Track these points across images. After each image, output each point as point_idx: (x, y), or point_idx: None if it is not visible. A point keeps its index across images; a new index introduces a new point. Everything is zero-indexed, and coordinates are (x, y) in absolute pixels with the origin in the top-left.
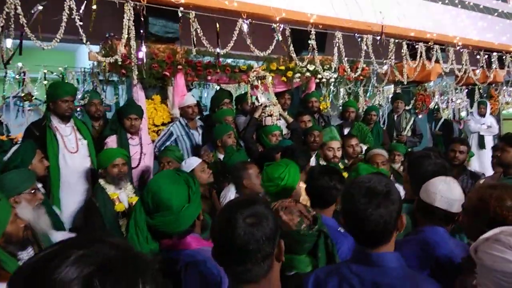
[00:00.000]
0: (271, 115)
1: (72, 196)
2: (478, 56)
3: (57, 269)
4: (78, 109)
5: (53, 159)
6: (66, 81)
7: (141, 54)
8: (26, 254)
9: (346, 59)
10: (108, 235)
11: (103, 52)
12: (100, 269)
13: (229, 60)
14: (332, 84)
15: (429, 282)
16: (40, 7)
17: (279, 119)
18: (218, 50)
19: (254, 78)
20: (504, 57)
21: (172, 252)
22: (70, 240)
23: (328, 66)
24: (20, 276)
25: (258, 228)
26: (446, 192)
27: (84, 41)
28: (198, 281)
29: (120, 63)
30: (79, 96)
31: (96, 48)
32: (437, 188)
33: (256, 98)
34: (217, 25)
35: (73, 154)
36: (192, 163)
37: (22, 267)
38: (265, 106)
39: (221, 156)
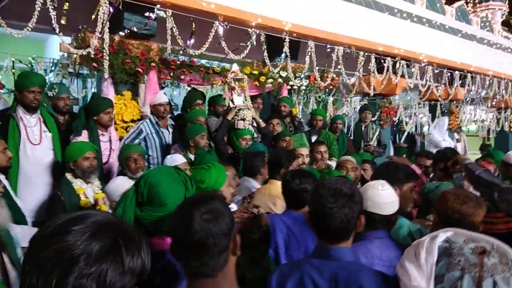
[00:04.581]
0: (244, 119)
1: (30, 189)
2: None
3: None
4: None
5: (12, 149)
6: (34, 71)
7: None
8: None
9: (317, 68)
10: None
11: (75, 44)
12: (120, 236)
13: (203, 61)
14: (303, 91)
15: (377, 276)
16: None
17: (252, 123)
18: (189, 43)
19: (232, 79)
20: (465, 76)
21: (162, 251)
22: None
23: (300, 74)
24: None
25: (214, 224)
26: (374, 197)
27: (57, 31)
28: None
29: (92, 56)
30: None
31: (67, 40)
32: (367, 194)
33: (231, 100)
34: (193, 25)
35: (35, 146)
36: (176, 159)
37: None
38: (239, 110)
39: (192, 156)
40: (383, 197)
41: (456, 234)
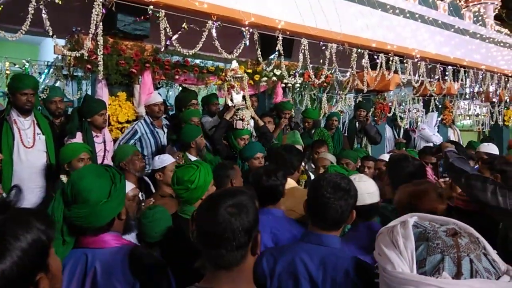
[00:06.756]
0: (242, 119)
1: (24, 192)
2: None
3: None
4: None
5: (5, 153)
6: (28, 73)
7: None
8: None
9: (311, 65)
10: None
11: (69, 46)
12: None
13: (197, 61)
14: (297, 89)
15: (361, 263)
16: None
17: (248, 123)
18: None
19: (231, 78)
20: (458, 70)
21: (85, 249)
22: None
23: (293, 71)
24: None
25: (236, 218)
26: (368, 188)
27: (50, 34)
28: (111, 280)
29: (86, 57)
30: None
31: (61, 42)
32: (360, 189)
33: (231, 99)
34: (184, 25)
35: (29, 149)
36: (165, 160)
37: None
38: (238, 109)
39: (192, 158)
40: (373, 185)
41: (420, 218)
